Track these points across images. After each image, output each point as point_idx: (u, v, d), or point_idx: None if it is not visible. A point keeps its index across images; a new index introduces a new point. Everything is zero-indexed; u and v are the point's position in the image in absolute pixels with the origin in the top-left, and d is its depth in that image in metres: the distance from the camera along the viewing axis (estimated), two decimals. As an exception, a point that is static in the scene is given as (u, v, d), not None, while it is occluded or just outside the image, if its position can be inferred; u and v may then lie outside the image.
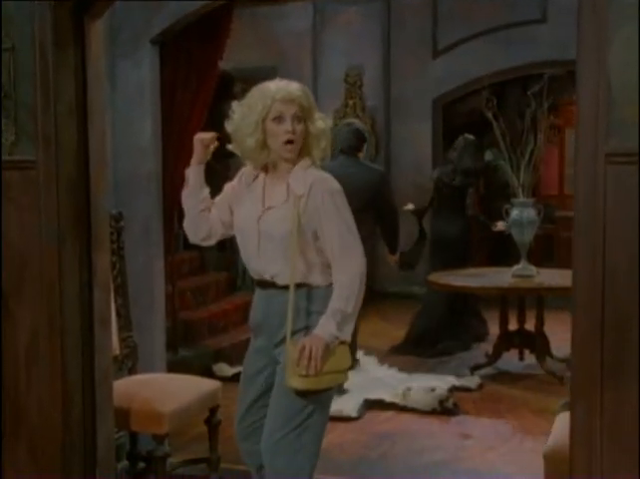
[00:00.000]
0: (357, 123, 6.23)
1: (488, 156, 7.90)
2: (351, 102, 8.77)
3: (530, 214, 5.74)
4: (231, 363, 5.87)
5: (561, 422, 3.20)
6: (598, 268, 2.43)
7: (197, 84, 4.13)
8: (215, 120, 6.52)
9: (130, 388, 3.61)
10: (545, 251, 9.07)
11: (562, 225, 9.20)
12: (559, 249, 9.21)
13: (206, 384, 3.85)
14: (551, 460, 2.94)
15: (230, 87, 7.50)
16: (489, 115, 5.85)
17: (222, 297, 6.74)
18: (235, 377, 5.57)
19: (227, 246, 7.30)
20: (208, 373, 5.39)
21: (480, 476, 4.04)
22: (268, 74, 9.71)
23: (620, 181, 2.42)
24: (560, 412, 3.21)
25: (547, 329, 5.88)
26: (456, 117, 8.56)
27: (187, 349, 5.69)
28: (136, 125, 4.11)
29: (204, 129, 4.48)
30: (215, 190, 7.98)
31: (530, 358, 5.86)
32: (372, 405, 5.12)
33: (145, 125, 4.11)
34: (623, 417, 2.42)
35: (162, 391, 3.61)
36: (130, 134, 4.11)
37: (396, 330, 6.77)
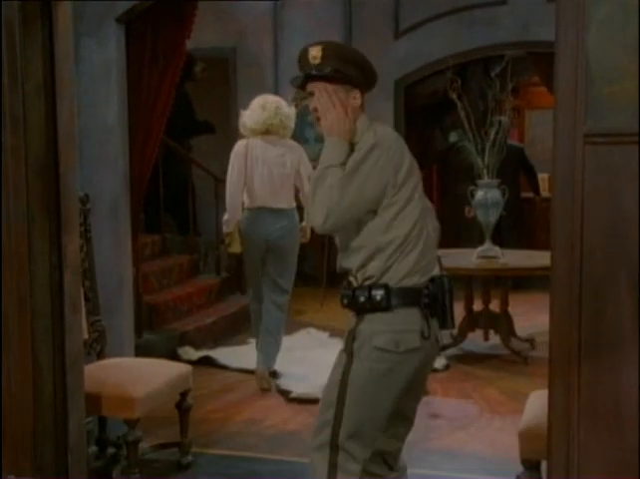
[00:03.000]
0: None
1: (453, 137, 7.95)
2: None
3: (495, 195, 5.80)
4: (196, 347, 5.85)
5: (534, 401, 3.26)
6: (576, 249, 2.46)
7: (164, 63, 4.09)
8: (177, 99, 6.45)
9: (100, 373, 3.58)
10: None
11: (522, 206, 9.32)
12: (520, 230, 9.32)
13: (177, 368, 3.84)
14: (526, 438, 2.98)
15: (191, 67, 7.42)
16: (454, 96, 5.86)
17: (186, 281, 6.70)
18: (201, 361, 5.59)
19: (190, 229, 7.27)
20: (173, 357, 5.37)
21: (452, 455, 4.09)
22: (228, 54, 9.64)
23: (598, 161, 2.45)
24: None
25: (510, 310, 5.96)
26: (417, 98, 8.57)
27: (152, 333, 5.64)
28: (101, 104, 4.05)
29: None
30: (177, 170, 7.82)
31: (495, 339, 5.94)
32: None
33: (110, 104, 4.06)
34: (600, 394, 2.47)
35: (134, 376, 3.59)
36: (95, 113, 4.06)
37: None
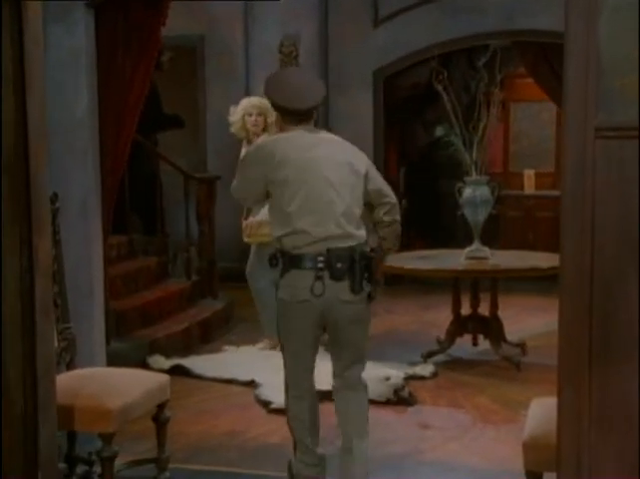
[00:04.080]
0: None
1: (439, 131, 7.97)
2: (286, 73, 8.71)
3: (484, 192, 5.82)
4: (167, 355, 5.80)
5: (537, 409, 3.27)
6: (586, 246, 2.47)
7: (138, 51, 4.05)
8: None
9: (72, 384, 3.53)
10: (490, 232, 9.22)
11: (507, 204, 9.40)
12: (505, 230, 9.39)
13: (155, 378, 3.80)
14: (531, 449, 2.99)
15: (158, 56, 7.35)
16: (440, 88, 5.88)
17: (154, 285, 6.64)
18: (172, 370, 5.54)
19: (158, 230, 7.21)
20: (143, 366, 5.32)
21: (445, 467, 4.10)
22: (196, 43, 9.55)
23: (609, 156, 2.47)
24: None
25: (499, 313, 5.98)
26: (398, 90, 8.60)
27: (120, 341, 5.59)
28: (70, 95, 4.00)
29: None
30: (143, 166, 7.74)
31: (485, 344, 5.96)
32: (323, 397, 5.11)
33: (80, 95, 4.01)
34: (612, 398, 2.49)
35: (108, 386, 3.54)
36: (63, 105, 4.00)
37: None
